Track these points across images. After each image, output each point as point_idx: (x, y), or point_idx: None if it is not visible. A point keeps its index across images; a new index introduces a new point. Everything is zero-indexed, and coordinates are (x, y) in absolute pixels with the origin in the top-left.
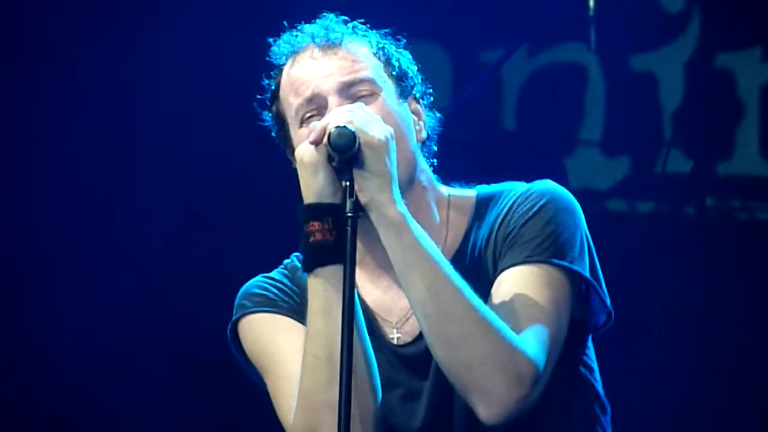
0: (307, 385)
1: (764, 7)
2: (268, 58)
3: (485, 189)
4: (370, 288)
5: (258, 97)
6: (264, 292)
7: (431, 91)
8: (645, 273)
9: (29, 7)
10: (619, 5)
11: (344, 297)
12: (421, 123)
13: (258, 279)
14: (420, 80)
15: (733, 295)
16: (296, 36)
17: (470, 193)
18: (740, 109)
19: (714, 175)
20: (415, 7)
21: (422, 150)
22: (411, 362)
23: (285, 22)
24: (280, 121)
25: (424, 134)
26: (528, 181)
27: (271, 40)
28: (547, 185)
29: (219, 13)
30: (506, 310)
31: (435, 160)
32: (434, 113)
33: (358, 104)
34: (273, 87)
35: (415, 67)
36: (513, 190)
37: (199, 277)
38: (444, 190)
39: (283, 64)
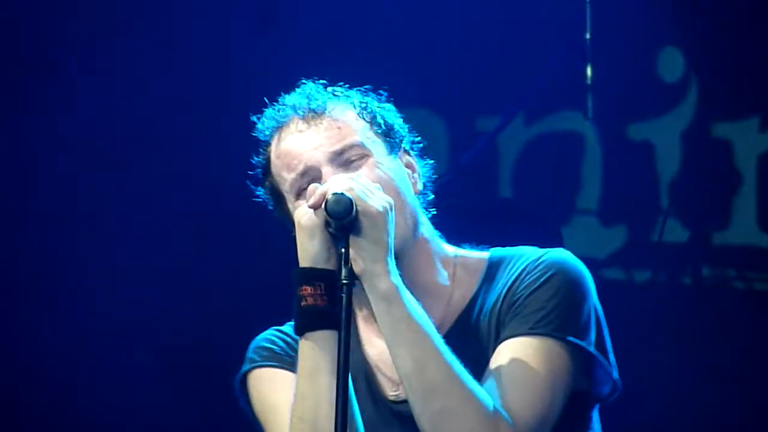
0: None
1: (762, 77)
2: (253, 134)
3: (498, 252)
4: (376, 341)
5: (250, 173)
6: (271, 346)
7: (419, 139)
8: (641, 342)
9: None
10: (616, 74)
11: (339, 365)
12: (416, 175)
13: (268, 332)
14: (407, 131)
15: (730, 366)
16: (279, 110)
17: (482, 255)
18: (737, 179)
19: (710, 245)
20: (411, 75)
21: (420, 201)
22: (405, 420)
23: (266, 98)
24: (276, 195)
25: (420, 186)
26: (540, 245)
27: (254, 117)
28: (557, 255)
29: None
30: (502, 381)
31: (434, 210)
32: (425, 161)
33: (359, 174)
34: (264, 162)
35: (401, 119)
36: (524, 256)
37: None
38: (450, 249)
39: (270, 139)
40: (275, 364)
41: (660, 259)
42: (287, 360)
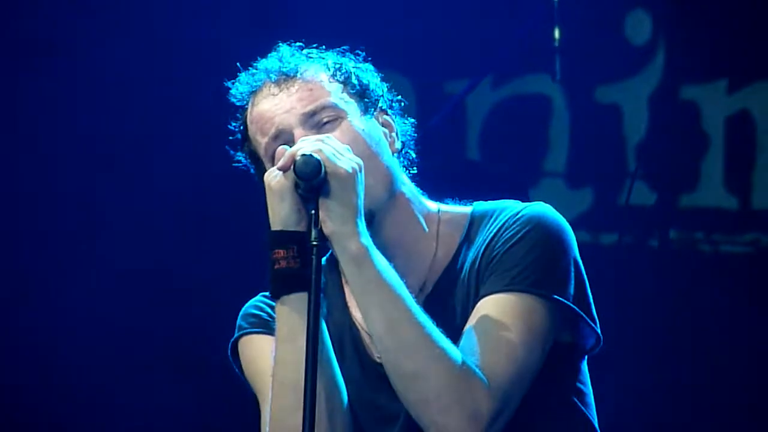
0: (276, 409)
1: (729, 39)
2: (231, 99)
3: (481, 206)
4: None
5: (230, 138)
6: (260, 313)
7: (400, 97)
8: (607, 305)
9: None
10: (584, 36)
11: (308, 326)
12: (393, 134)
13: (256, 299)
14: (386, 89)
15: (696, 328)
16: (252, 74)
17: (465, 209)
18: (705, 142)
19: (678, 208)
20: (380, 38)
21: (399, 160)
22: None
23: (238, 63)
24: (255, 159)
25: (398, 145)
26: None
27: (229, 83)
28: (537, 209)
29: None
30: (477, 340)
31: (415, 169)
32: (406, 119)
33: (328, 135)
34: (241, 128)
35: (378, 78)
36: (505, 210)
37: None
38: (433, 205)
39: (246, 105)
40: (262, 330)
41: (627, 222)
42: (274, 326)
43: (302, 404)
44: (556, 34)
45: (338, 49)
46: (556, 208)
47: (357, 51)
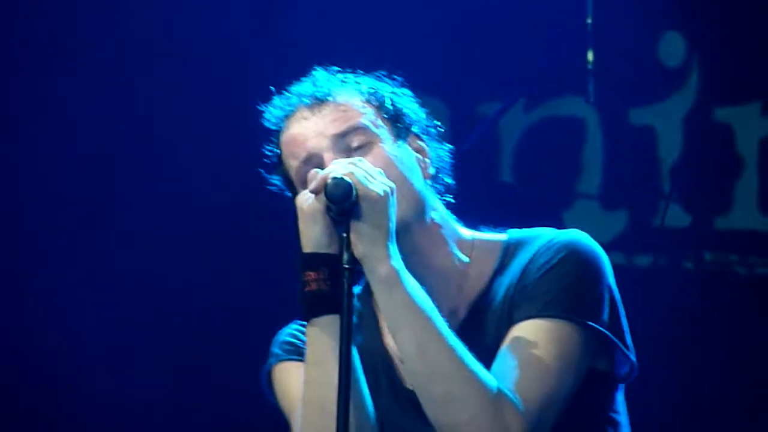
0: (302, 430)
1: (763, 61)
2: (264, 121)
3: (516, 234)
4: None
5: (265, 161)
6: (293, 340)
7: (438, 123)
8: (642, 327)
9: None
10: (618, 59)
11: (341, 349)
12: (427, 160)
13: (291, 326)
14: (422, 115)
15: (731, 350)
16: (286, 98)
17: (500, 237)
18: (739, 164)
19: (712, 230)
20: (413, 60)
21: (433, 186)
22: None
23: (272, 87)
24: (289, 182)
25: (431, 170)
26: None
27: (263, 107)
28: (572, 236)
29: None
30: (510, 364)
31: (450, 197)
32: (443, 145)
33: (360, 158)
34: (275, 151)
35: (416, 103)
36: (540, 238)
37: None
38: (467, 232)
39: (280, 129)
40: (297, 357)
41: (662, 244)
42: None
43: (328, 426)
44: (590, 56)
45: (375, 73)
46: (590, 231)
47: (395, 76)
